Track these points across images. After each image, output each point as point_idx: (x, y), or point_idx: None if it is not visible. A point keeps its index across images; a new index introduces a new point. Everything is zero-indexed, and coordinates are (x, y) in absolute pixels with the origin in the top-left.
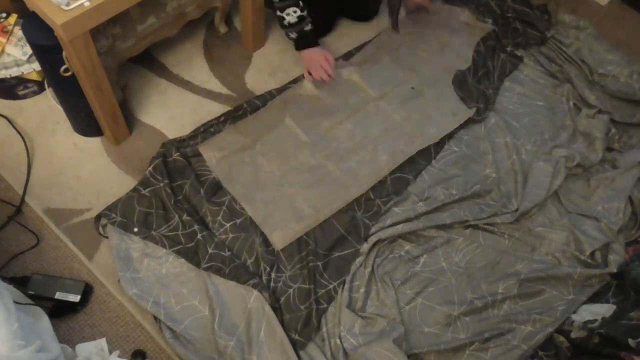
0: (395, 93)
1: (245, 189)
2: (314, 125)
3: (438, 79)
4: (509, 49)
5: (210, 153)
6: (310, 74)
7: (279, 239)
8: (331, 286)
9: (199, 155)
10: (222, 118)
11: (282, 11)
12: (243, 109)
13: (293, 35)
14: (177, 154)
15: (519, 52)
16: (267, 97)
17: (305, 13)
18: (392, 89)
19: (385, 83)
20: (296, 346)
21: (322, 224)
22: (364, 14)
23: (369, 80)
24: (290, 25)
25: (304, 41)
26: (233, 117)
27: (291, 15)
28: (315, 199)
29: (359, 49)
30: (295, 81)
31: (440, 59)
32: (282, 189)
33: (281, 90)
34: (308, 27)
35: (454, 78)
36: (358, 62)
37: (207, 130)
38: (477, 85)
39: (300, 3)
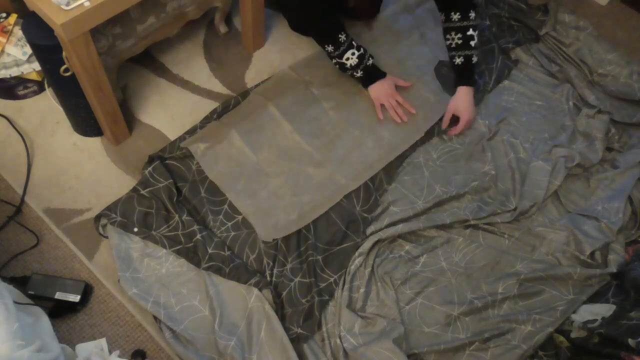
0: None
1: (231, 180)
2: (298, 113)
3: (419, 69)
4: (507, 46)
5: (195, 145)
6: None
7: (267, 233)
8: (332, 279)
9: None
10: (215, 115)
11: (340, 58)
12: (234, 100)
13: (359, 74)
14: (175, 153)
15: (514, 55)
16: (253, 90)
17: (362, 51)
18: None
19: None
20: (299, 339)
21: (320, 217)
22: (365, 13)
23: None
24: (353, 67)
25: (371, 76)
26: (224, 110)
27: (351, 58)
28: (302, 190)
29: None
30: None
31: (422, 51)
32: (268, 178)
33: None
34: (370, 62)
35: (435, 68)
36: None
37: (203, 127)
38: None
39: (354, 43)
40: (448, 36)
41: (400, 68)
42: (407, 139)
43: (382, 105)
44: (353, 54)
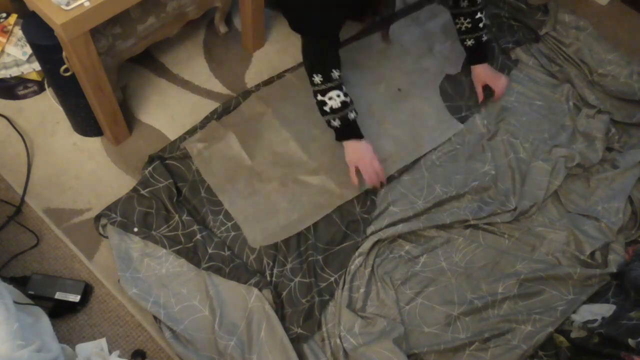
0: (382, 92)
1: (224, 182)
2: (297, 120)
3: (425, 82)
4: (507, 46)
5: (193, 144)
6: (358, 172)
7: (255, 238)
8: (332, 279)
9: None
10: (215, 115)
11: (323, 95)
12: (235, 101)
13: (335, 123)
14: (175, 153)
15: (514, 55)
16: (254, 91)
17: (348, 99)
18: (377, 88)
19: (371, 82)
20: (299, 339)
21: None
22: (365, 13)
23: (355, 77)
24: (333, 111)
25: (347, 131)
26: (224, 111)
27: (334, 99)
28: (295, 197)
29: (343, 44)
30: (280, 76)
31: (429, 63)
32: (261, 184)
33: (267, 83)
34: (352, 115)
35: (441, 85)
36: (343, 59)
37: (203, 127)
38: (469, 85)
39: (344, 87)
40: (457, 20)
41: (407, 80)
42: (408, 155)
43: (357, 169)
44: (338, 95)
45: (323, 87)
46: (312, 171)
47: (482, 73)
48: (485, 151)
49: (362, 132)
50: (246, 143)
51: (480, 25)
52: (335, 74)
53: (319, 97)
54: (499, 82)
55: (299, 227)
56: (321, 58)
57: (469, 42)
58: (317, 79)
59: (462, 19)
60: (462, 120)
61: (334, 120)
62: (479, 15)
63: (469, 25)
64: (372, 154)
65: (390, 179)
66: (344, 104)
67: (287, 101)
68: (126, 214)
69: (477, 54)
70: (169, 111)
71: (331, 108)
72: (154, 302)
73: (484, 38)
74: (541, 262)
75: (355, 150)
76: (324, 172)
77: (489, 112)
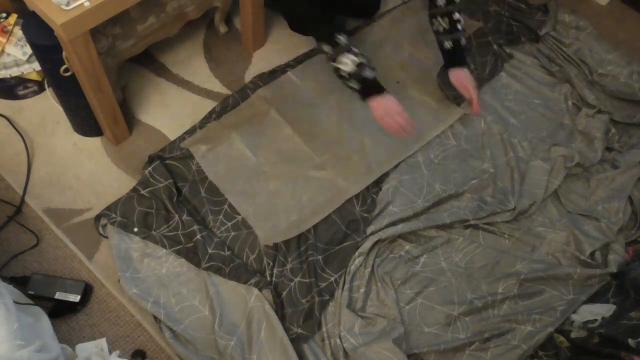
0: None
1: (231, 181)
2: (299, 117)
3: (423, 74)
4: (499, 42)
5: (196, 146)
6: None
7: (266, 236)
8: (332, 279)
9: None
10: (214, 115)
11: (334, 61)
12: (232, 99)
13: (354, 85)
14: (175, 153)
15: (509, 49)
16: (254, 87)
17: (363, 60)
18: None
19: None
20: (299, 339)
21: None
22: (365, 10)
23: None
24: (350, 75)
25: (367, 89)
26: (223, 110)
27: (347, 64)
28: (302, 192)
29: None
30: (281, 71)
31: (425, 55)
32: (268, 180)
33: (265, 81)
34: (369, 74)
35: (439, 74)
36: None
37: (202, 127)
38: None
39: (354, 49)
40: (434, 21)
41: (404, 73)
42: (409, 145)
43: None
44: (349, 58)
45: (332, 53)
46: (318, 166)
47: (464, 78)
48: (485, 149)
49: (364, 128)
50: (250, 141)
51: (459, 26)
52: (341, 38)
53: (332, 64)
54: (474, 91)
55: (310, 222)
56: (324, 30)
57: (447, 44)
58: (325, 47)
59: (439, 18)
60: None
61: (352, 83)
62: (457, 15)
63: (447, 26)
64: (396, 106)
65: (389, 177)
66: (359, 66)
67: (288, 99)
68: (126, 214)
69: (456, 56)
70: (169, 111)
71: (347, 73)
72: (154, 302)
73: (463, 42)
74: (541, 262)
75: (378, 106)
76: (330, 167)
77: (488, 111)
